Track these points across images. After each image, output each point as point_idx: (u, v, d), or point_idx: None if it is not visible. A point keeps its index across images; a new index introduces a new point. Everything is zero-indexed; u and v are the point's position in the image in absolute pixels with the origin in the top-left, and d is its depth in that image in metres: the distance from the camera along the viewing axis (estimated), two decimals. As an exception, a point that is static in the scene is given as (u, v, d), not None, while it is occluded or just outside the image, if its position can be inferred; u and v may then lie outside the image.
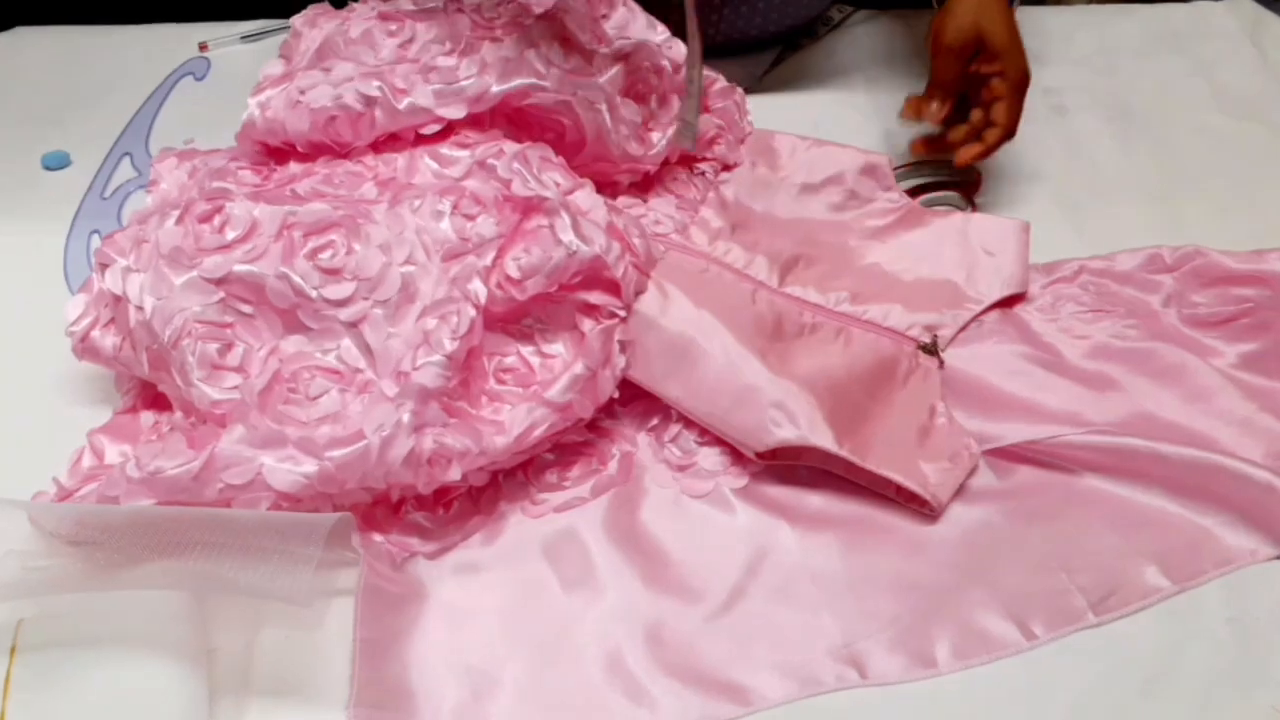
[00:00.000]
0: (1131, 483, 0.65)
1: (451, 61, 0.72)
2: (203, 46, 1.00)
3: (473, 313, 0.63)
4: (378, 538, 0.64)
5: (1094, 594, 0.61)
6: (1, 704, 0.52)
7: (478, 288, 0.64)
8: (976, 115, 0.79)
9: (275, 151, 0.75)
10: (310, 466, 0.58)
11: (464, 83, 0.70)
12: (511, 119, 0.75)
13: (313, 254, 0.63)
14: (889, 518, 0.65)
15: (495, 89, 0.71)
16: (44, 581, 0.58)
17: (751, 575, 0.63)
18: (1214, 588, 0.61)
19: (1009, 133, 0.78)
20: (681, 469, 0.67)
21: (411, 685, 0.58)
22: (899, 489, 0.65)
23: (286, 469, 0.58)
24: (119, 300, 0.65)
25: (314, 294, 0.62)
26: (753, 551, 0.64)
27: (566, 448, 0.68)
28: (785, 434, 0.64)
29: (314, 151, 0.74)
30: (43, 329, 0.75)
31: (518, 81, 0.71)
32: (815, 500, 0.66)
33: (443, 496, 0.66)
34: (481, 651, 0.60)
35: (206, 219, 0.65)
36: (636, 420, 0.70)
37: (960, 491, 0.66)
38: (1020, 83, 0.78)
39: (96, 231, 0.83)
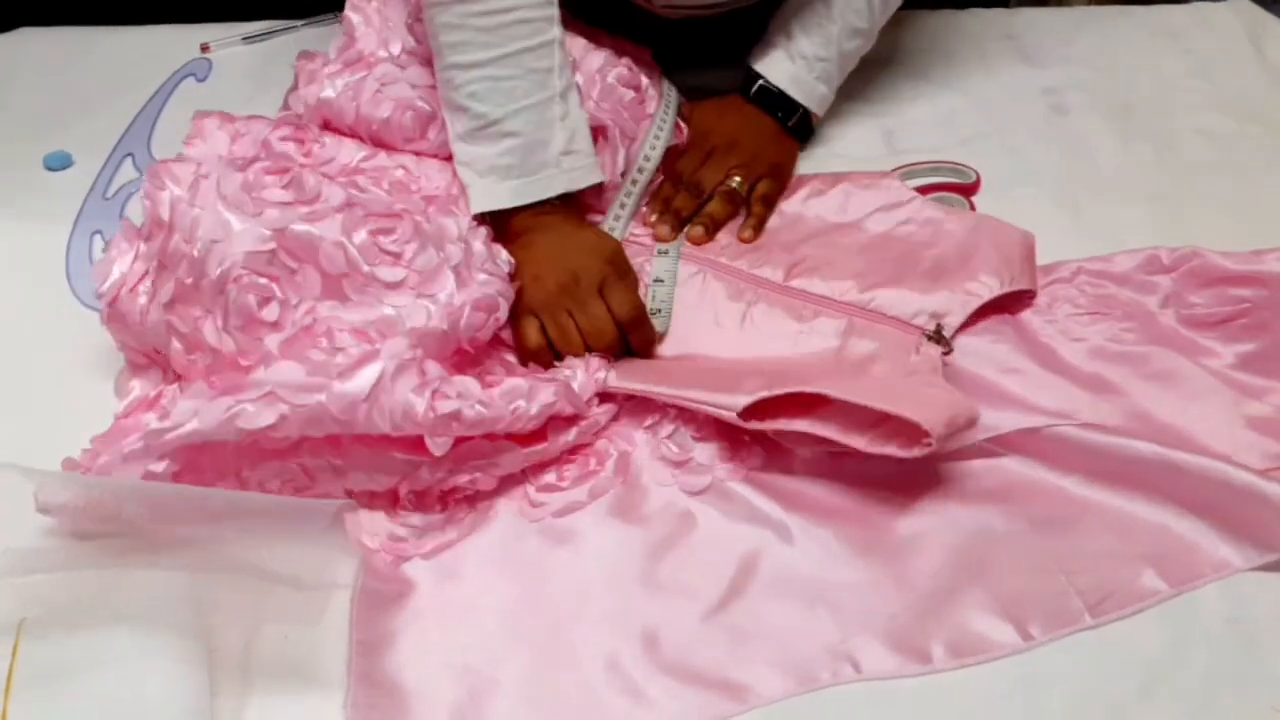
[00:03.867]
0: (1129, 487, 0.65)
1: None
2: (205, 47, 1.00)
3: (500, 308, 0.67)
4: (375, 539, 0.64)
5: (1091, 596, 0.61)
6: (3, 703, 0.53)
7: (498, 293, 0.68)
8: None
9: (328, 130, 0.77)
10: (320, 394, 0.59)
11: None
12: None
13: (375, 234, 0.66)
14: (887, 516, 0.65)
15: None
16: (46, 580, 0.58)
17: (748, 572, 0.63)
18: (1212, 588, 0.61)
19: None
20: (679, 465, 0.68)
21: (408, 685, 0.58)
22: (900, 442, 0.62)
23: (299, 394, 0.60)
24: (160, 225, 0.66)
25: (366, 269, 0.64)
26: (749, 548, 0.64)
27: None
28: (766, 390, 0.64)
29: (374, 143, 0.75)
30: (45, 330, 0.75)
31: None
32: (813, 497, 0.66)
33: (442, 494, 0.66)
34: (479, 651, 0.60)
35: (273, 173, 0.67)
36: (633, 418, 0.70)
37: (958, 494, 0.66)
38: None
39: (98, 232, 0.84)
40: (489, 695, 0.58)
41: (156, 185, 0.67)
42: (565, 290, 0.70)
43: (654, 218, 0.81)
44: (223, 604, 0.60)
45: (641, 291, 0.74)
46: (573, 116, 0.73)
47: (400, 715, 0.57)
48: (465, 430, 0.62)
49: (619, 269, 0.73)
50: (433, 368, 0.63)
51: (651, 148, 0.81)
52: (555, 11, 0.73)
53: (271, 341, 0.63)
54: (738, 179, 0.81)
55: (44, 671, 0.54)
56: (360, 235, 0.65)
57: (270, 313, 0.63)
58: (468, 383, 0.63)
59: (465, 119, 0.72)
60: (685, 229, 0.80)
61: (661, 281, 0.76)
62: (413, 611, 0.62)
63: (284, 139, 0.72)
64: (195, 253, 0.64)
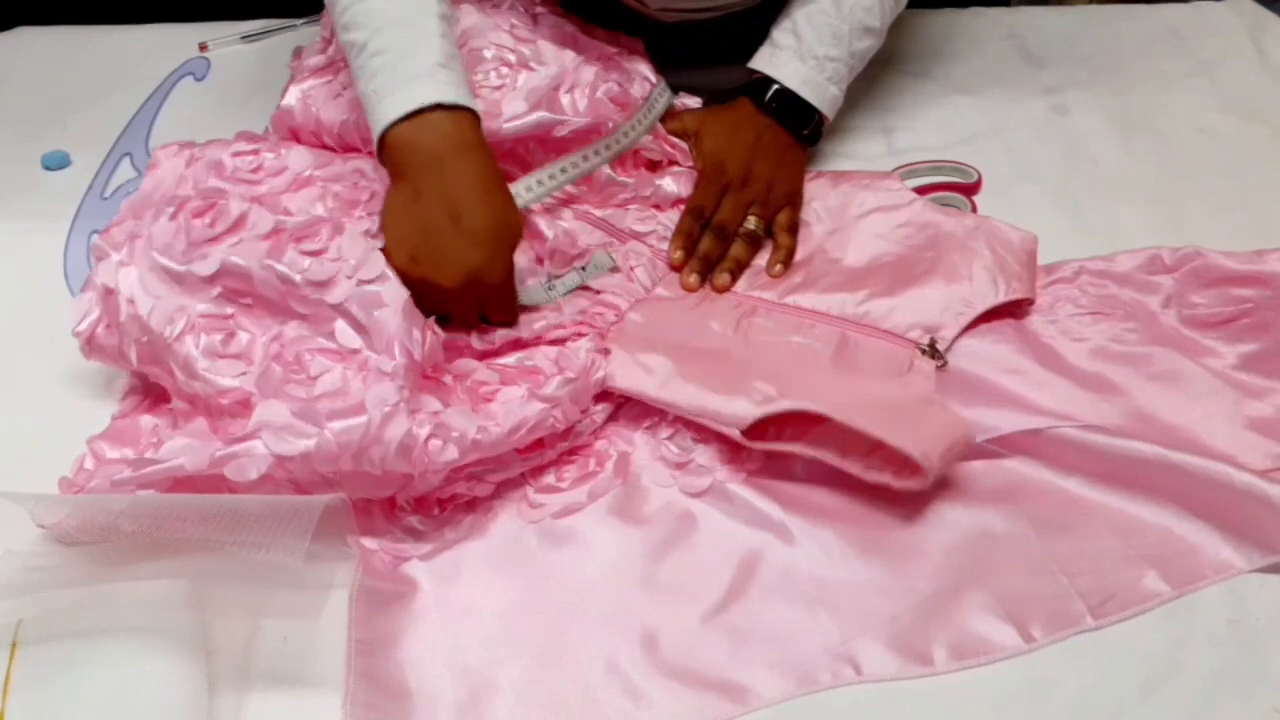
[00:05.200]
0: (1131, 489, 0.65)
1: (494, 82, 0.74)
2: (203, 47, 1.00)
3: None
4: (373, 540, 0.64)
5: (1093, 598, 0.60)
6: (2, 702, 0.53)
7: None
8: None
9: (296, 140, 0.76)
10: (310, 437, 0.59)
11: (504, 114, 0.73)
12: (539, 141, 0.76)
13: (298, 240, 0.65)
14: (888, 518, 0.65)
15: (518, 123, 0.72)
16: (44, 580, 0.58)
17: (748, 574, 0.63)
18: (1214, 589, 0.61)
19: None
20: (679, 467, 0.67)
21: (408, 685, 0.58)
22: (896, 470, 0.63)
23: (286, 437, 0.59)
24: (109, 293, 0.65)
25: (298, 278, 0.63)
26: (750, 550, 0.64)
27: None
28: (767, 407, 0.64)
29: (341, 148, 0.74)
30: (42, 329, 0.75)
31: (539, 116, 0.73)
32: (813, 499, 0.66)
33: (441, 499, 0.66)
34: (479, 652, 0.60)
35: (200, 215, 0.66)
36: (633, 419, 0.70)
37: (959, 494, 0.65)
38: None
39: (96, 232, 0.83)
40: (489, 695, 0.58)
41: (99, 257, 0.66)
42: (454, 294, 0.66)
43: (680, 254, 0.77)
44: (222, 604, 0.60)
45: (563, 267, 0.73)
46: (451, 41, 0.67)
47: (400, 715, 0.57)
48: (460, 463, 0.62)
49: (510, 286, 0.68)
50: (424, 403, 0.62)
51: (606, 146, 0.78)
52: None
53: (246, 380, 0.62)
54: (754, 220, 0.79)
55: (43, 671, 0.54)
56: (287, 253, 0.64)
57: (236, 346, 0.63)
58: (463, 420, 0.62)
59: (349, 60, 0.67)
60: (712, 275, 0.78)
61: (583, 270, 0.74)
62: (413, 612, 0.61)
63: (237, 154, 0.71)
64: (140, 312, 0.64)
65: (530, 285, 0.72)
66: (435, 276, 0.65)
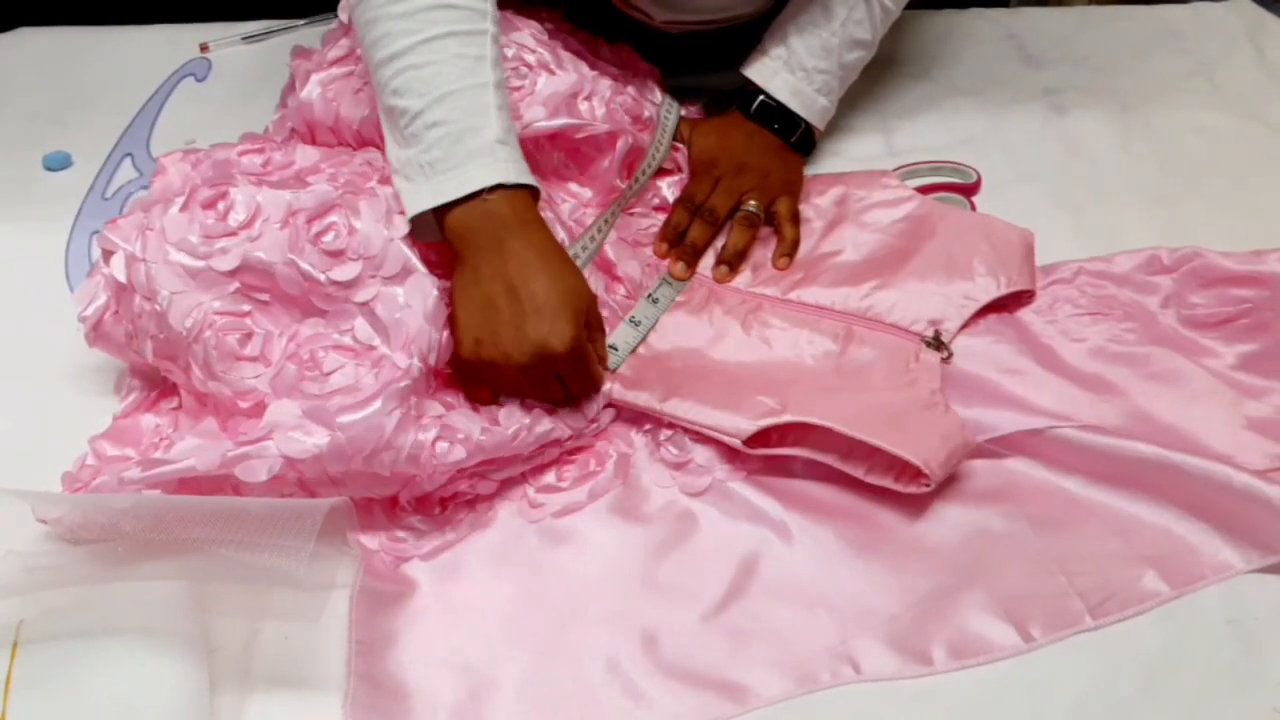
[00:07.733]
0: (1130, 489, 0.65)
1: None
2: (204, 47, 1.00)
3: None
4: (374, 539, 0.64)
5: (1092, 598, 0.61)
6: (3, 702, 0.53)
7: None
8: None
9: (308, 138, 0.76)
10: (321, 437, 0.59)
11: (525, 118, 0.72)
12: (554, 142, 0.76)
13: (316, 238, 0.64)
14: (888, 518, 0.65)
15: (541, 124, 0.72)
16: (45, 580, 0.58)
17: (748, 573, 0.63)
18: (1213, 589, 0.61)
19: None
20: (678, 467, 0.68)
21: (409, 685, 0.58)
22: (898, 474, 0.64)
23: (297, 437, 0.59)
24: (123, 288, 0.65)
25: (323, 278, 0.63)
26: (750, 549, 0.64)
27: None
28: (770, 419, 0.65)
29: (358, 144, 0.74)
30: (44, 330, 0.75)
31: (563, 121, 0.73)
32: (813, 499, 0.66)
33: (443, 498, 0.66)
34: (479, 652, 0.60)
35: (210, 205, 0.65)
36: (633, 420, 0.70)
37: (959, 494, 0.66)
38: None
39: (98, 232, 0.83)
40: (489, 695, 0.58)
41: (108, 249, 0.66)
42: (525, 372, 0.63)
43: (664, 247, 0.78)
44: (223, 604, 0.60)
45: (611, 325, 0.72)
46: (507, 113, 0.66)
47: (400, 715, 0.57)
48: (466, 464, 0.62)
49: (582, 353, 0.64)
50: (427, 408, 0.62)
51: (642, 172, 0.80)
52: (490, 7, 0.66)
53: (261, 382, 0.62)
54: (753, 202, 0.79)
55: (44, 671, 0.54)
56: (306, 247, 0.63)
57: (253, 347, 0.63)
58: (467, 421, 0.62)
59: (394, 123, 0.65)
60: (711, 269, 0.78)
61: (637, 324, 0.73)
62: (413, 611, 0.62)
63: (244, 153, 0.71)
64: (158, 308, 0.63)
65: (620, 328, 0.72)
66: (500, 357, 0.63)
